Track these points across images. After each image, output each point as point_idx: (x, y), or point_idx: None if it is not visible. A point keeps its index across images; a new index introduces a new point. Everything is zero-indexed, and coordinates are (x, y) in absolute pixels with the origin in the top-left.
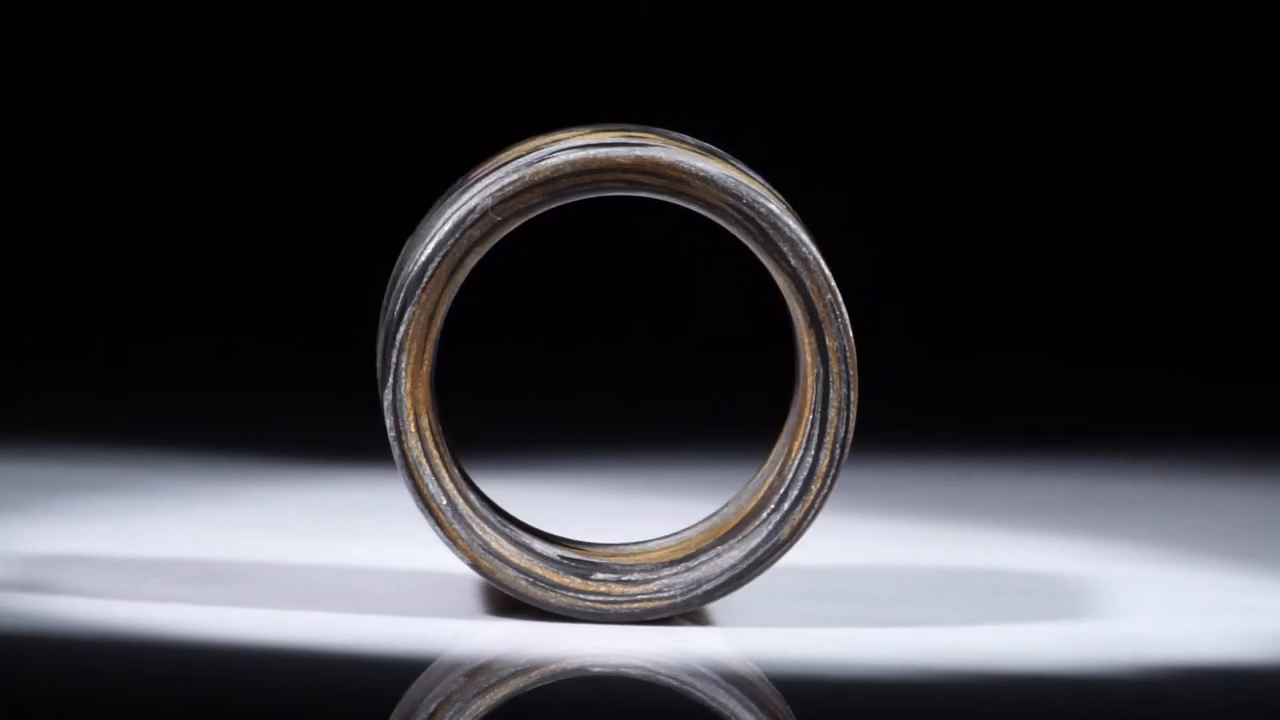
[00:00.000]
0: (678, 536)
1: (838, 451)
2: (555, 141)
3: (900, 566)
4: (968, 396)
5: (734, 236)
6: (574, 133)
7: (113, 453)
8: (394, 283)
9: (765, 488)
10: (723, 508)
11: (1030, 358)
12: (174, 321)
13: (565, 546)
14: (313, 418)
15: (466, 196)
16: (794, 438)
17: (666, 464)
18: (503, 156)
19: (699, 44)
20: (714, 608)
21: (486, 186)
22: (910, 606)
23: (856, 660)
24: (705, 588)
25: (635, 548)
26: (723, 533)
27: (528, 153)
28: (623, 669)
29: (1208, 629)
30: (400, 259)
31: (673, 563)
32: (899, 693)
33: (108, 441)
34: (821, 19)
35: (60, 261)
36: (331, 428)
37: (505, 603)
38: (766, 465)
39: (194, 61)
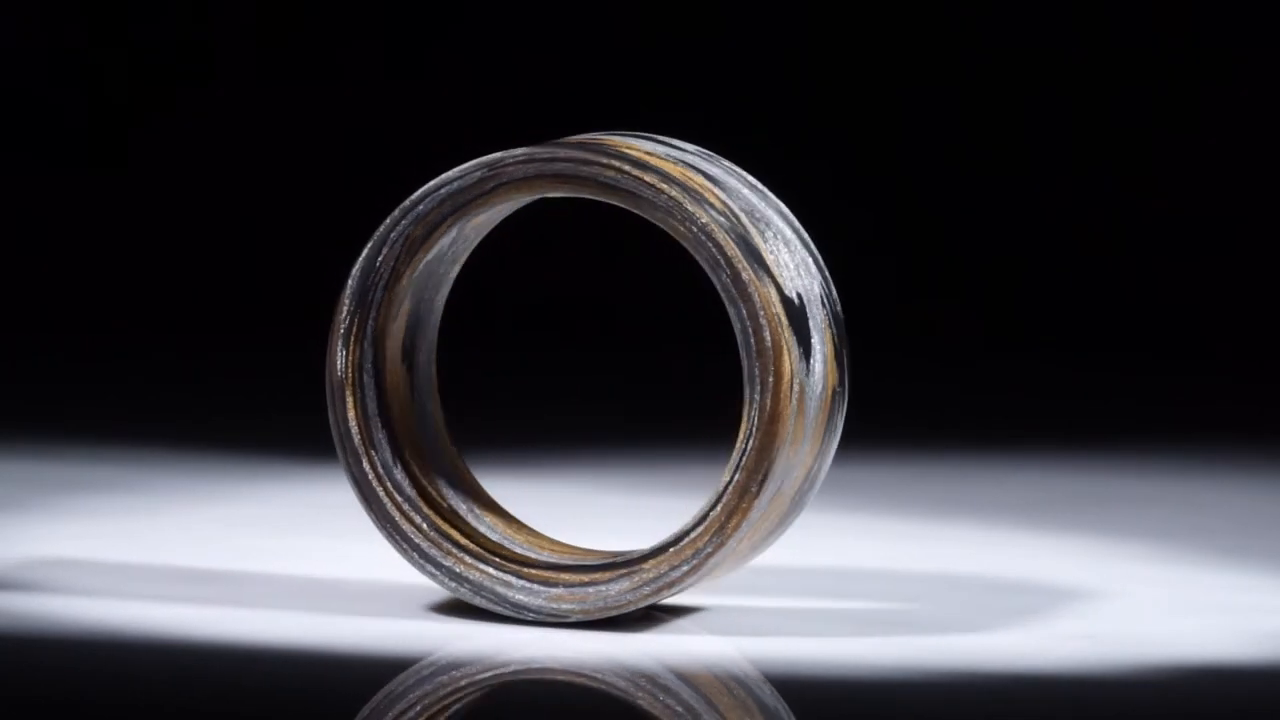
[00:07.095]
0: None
1: None
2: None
3: (899, 566)
4: (967, 396)
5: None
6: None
7: (113, 453)
8: None
9: None
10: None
11: (1030, 357)
12: (172, 322)
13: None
14: (310, 418)
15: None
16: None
17: (654, 461)
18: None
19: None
20: (712, 608)
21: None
22: (909, 606)
23: (856, 661)
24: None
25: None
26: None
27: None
28: (624, 669)
29: (1208, 629)
30: None
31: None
32: (898, 693)
33: (108, 441)
34: (820, 18)
35: (60, 262)
36: (328, 427)
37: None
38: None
39: (191, 63)
